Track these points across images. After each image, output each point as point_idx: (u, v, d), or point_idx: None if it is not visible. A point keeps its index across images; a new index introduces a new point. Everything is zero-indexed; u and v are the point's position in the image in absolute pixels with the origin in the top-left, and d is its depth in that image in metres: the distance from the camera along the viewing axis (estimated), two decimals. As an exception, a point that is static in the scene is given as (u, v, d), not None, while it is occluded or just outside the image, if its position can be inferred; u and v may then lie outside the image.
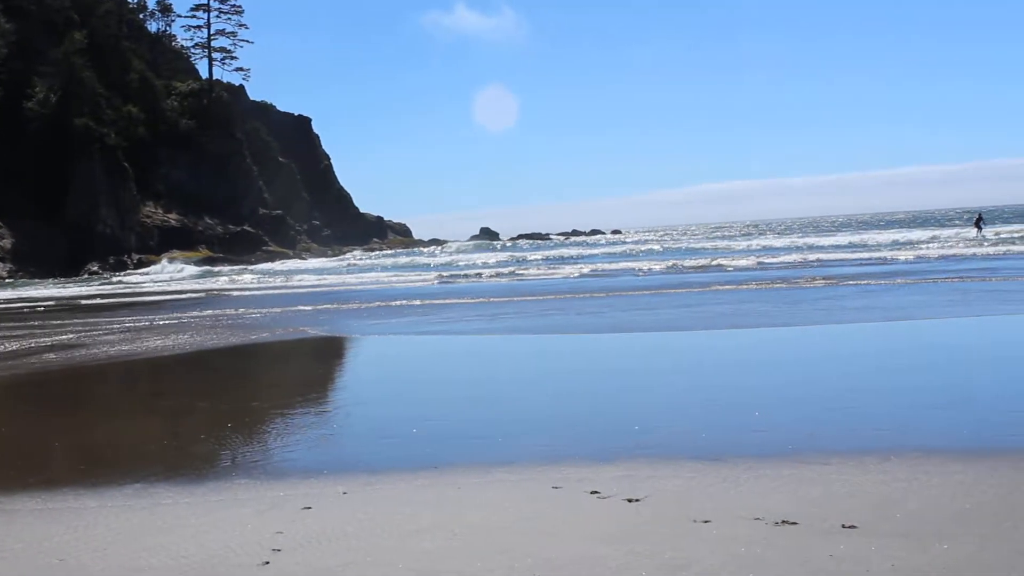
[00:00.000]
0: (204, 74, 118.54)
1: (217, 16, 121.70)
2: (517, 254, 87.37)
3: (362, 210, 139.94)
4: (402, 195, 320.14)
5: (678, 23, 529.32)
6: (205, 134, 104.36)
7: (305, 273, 70.65)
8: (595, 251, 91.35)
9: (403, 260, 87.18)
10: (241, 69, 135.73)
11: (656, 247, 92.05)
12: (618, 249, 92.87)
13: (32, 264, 79.81)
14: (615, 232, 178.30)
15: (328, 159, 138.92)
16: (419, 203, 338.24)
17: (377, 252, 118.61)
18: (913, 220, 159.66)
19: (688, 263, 55.23)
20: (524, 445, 10.98)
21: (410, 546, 7.48)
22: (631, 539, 7.38)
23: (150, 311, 36.15)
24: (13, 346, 24.07)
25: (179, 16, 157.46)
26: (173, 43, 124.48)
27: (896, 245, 64.59)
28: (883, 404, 12.54)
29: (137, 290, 57.36)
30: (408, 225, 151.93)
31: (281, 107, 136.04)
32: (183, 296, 47.71)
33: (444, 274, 57.49)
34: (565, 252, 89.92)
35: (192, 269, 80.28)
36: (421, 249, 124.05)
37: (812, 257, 55.05)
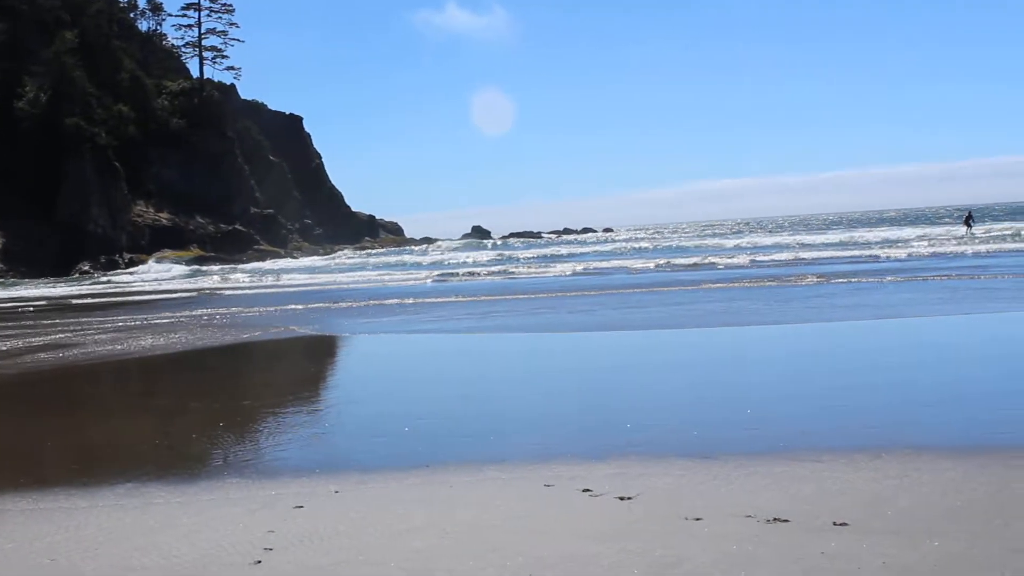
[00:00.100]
0: (195, 73, 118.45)
1: (208, 15, 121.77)
2: (509, 252, 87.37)
3: (354, 209, 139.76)
4: (394, 194, 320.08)
5: (669, 22, 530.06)
6: (196, 133, 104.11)
7: (295, 272, 70.63)
8: (587, 249, 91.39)
9: (393, 259, 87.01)
10: (232, 68, 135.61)
11: (647, 245, 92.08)
12: (610, 247, 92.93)
13: (23, 264, 79.58)
14: (607, 230, 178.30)
15: (319, 158, 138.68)
16: (411, 202, 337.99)
17: (368, 251, 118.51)
18: (904, 218, 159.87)
19: (679, 261, 55.28)
20: (516, 443, 10.99)
21: (402, 545, 7.48)
22: (623, 537, 7.39)
23: (142, 310, 36.09)
24: (4, 346, 24.02)
25: (170, 15, 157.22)
26: (164, 42, 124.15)
27: (887, 243, 64.64)
28: (874, 402, 12.57)
29: (129, 289, 57.25)
30: (400, 224, 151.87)
31: (272, 106, 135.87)
32: (175, 295, 47.64)
33: (435, 273, 57.45)
34: (557, 250, 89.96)
35: (180, 269, 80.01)
36: (412, 248, 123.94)
37: (803, 255, 55.11)
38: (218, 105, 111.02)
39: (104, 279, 72.62)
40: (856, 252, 55.67)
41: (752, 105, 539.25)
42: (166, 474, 10.38)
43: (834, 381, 14.48)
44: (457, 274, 55.83)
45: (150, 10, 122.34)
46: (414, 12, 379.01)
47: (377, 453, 10.96)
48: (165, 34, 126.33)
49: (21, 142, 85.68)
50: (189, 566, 7.25)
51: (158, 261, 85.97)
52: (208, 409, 14.60)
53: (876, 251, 55.59)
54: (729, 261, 52.98)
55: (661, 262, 55.54)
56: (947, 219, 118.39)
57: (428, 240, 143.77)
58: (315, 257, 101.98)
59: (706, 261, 54.15)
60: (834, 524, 7.47)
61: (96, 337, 25.33)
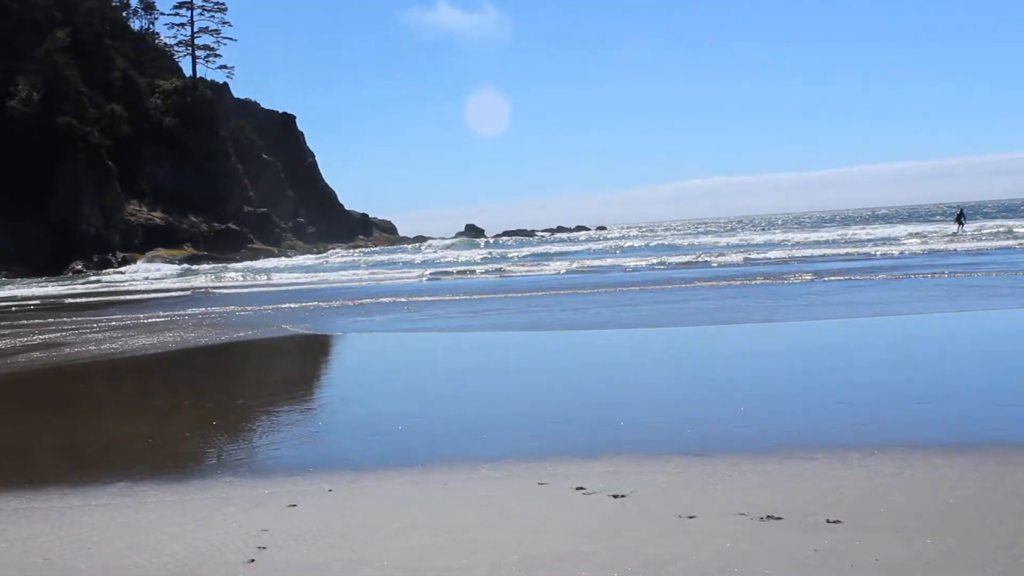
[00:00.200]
0: (188, 72, 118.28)
1: (200, 14, 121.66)
2: (502, 251, 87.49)
3: (347, 207, 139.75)
4: (387, 192, 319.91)
5: (661, 21, 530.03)
6: (189, 132, 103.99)
7: (288, 271, 70.63)
8: (580, 247, 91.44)
9: (386, 258, 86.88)
10: (225, 67, 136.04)
11: (641, 243, 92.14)
12: (603, 245, 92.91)
13: (16, 263, 79.41)
14: (600, 228, 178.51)
15: (313, 156, 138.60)
16: (404, 200, 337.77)
17: (361, 249, 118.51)
18: (895, 216, 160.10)
19: (673, 259, 55.29)
20: (510, 442, 10.99)
21: (396, 543, 7.48)
22: (617, 535, 7.39)
23: (135, 309, 36.05)
24: (-3, 345, 24.01)
25: (162, 14, 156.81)
26: (156, 41, 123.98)
27: (879, 241, 64.77)
28: (867, 399, 12.57)
29: (122, 288, 57.15)
30: (393, 222, 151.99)
31: (265, 105, 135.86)
32: (168, 294, 47.58)
33: (429, 271, 57.39)
34: (550, 248, 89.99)
35: (169, 268, 79.83)
36: (405, 246, 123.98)
37: (796, 253, 55.17)
38: (211, 104, 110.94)
39: (97, 278, 72.43)
40: (849, 250, 55.77)
41: (745, 103, 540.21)
42: (159, 473, 10.37)
43: (827, 379, 14.49)
44: (450, 272, 55.81)
45: (142, 9, 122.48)
46: (405, 10, 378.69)
47: (371, 452, 10.95)
48: (158, 33, 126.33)
49: (13, 141, 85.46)
50: (183, 565, 7.24)
51: (150, 260, 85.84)
52: (201, 408, 14.59)
53: (869, 249, 55.69)
54: (722, 259, 53.07)
55: (654, 260, 55.59)
56: (938, 216, 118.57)
57: (421, 238, 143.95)
58: (308, 256, 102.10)
59: (699, 259, 54.23)
60: (827, 521, 7.48)
61: (89, 336, 25.30)
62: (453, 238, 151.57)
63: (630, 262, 55.69)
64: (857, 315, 22.72)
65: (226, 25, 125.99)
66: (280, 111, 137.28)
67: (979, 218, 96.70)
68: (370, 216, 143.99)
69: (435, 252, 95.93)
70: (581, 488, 8.81)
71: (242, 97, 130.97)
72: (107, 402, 16.75)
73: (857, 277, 33.73)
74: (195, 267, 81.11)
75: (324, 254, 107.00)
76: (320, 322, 28.19)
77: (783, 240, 75.06)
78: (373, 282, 49.93)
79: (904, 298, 25.99)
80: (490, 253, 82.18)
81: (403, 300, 34.00)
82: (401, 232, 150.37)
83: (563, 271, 51.30)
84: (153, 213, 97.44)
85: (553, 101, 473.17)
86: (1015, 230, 65.98)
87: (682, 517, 7.77)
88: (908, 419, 11.17)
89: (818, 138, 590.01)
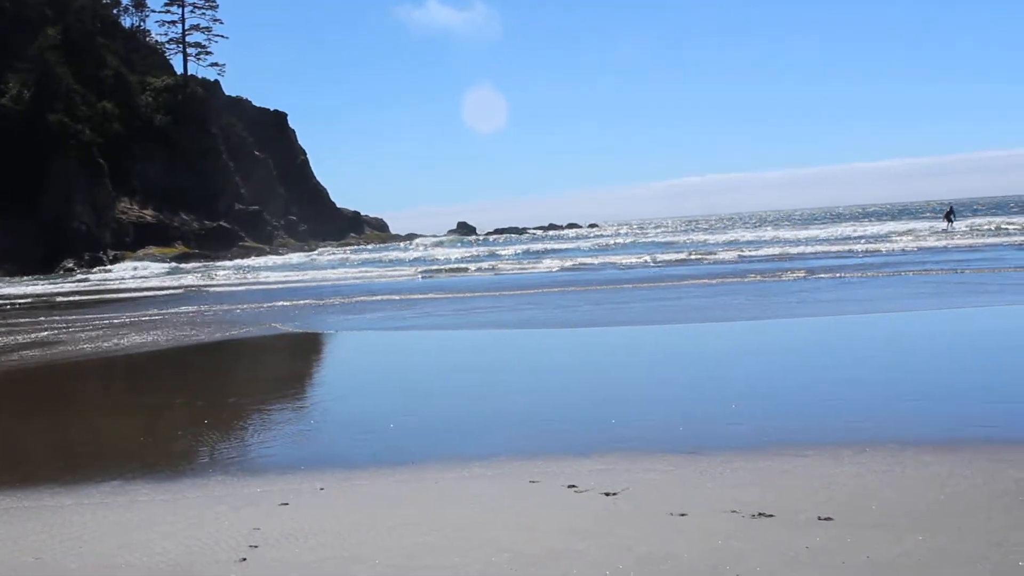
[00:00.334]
0: (179, 70, 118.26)
1: (191, 11, 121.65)
2: (494, 249, 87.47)
3: (339, 205, 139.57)
4: (379, 190, 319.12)
5: (652, 18, 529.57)
6: (180, 130, 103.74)
7: (279, 270, 70.53)
8: (572, 245, 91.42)
9: (378, 256, 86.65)
10: (216, 64, 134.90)
11: (633, 240, 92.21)
12: (595, 243, 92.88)
13: (7, 261, 79.16)
14: (592, 226, 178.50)
15: (304, 154, 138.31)
16: (396, 198, 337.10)
17: (353, 247, 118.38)
18: (886, 213, 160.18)
19: (665, 257, 55.33)
20: (502, 440, 11.00)
21: (388, 541, 7.48)
22: (609, 533, 7.40)
23: (128, 308, 35.99)
24: (-12, 344, 23.95)
25: (153, 11, 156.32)
26: (147, 38, 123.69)
27: (870, 238, 64.86)
28: (859, 396, 12.60)
29: (115, 287, 57.04)
30: (385, 220, 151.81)
31: (257, 102, 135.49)
32: (161, 292, 47.52)
33: (421, 269, 57.35)
34: (542, 246, 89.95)
35: (157, 267, 79.63)
36: (397, 244, 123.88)
37: (788, 250, 55.23)
38: (202, 102, 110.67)
39: (86, 276, 72.26)
40: (840, 247, 55.84)
41: (736, 101, 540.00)
42: (151, 472, 10.36)
43: (819, 376, 14.52)
44: (442, 270, 55.79)
45: (133, 6, 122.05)
46: (396, 7, 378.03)
47: (363, 450, 10.95)
48: (149, 30, 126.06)
49: (4, 139, 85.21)
50: (174, 564, 7.24)
51: (141, 259, 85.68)
52: (193, 406, 14.57)
53: (860, 246, 55.77)
54: (714, 256, 53.15)
55: (646, 258, 55.63)
56: (927, 214, 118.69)
57: (413, 236, 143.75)
58: (300, 254, 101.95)
59: (691, 256, 54.28)
60: (819, 519, 7.49)
61: (82, 334, 25.26)
62: (445, 236, 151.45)
63: (622, 259, 55.69)
64: (848, 312, 22.77)
65: (217, 23, 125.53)
66: (271, 109, 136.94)
67: (968, 215, 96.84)
68: (362, 214, 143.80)
69: (426, 250, 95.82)
70: (573, 486, 8.81)
71: (233, 95, 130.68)
72: (99, 400, 16.73)
73: (848, 274, 33.79)
74: (184, 265, 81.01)
75: (315, 252, 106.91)
76: (312, 320, 28.17)
77: (774, 237, 75.17)
78: (366, 280, 49.89)
79: (894, 295, 26.06)
80: (484, 251, 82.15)
81: (395, 298, 34.00)
82: (393, 230, 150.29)
83: (555, 269, 51.25)
84: (144, 211, 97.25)
85: (545, 98, 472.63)
86: (1004, 227, 66.13)
87: (674, 515, 7.78)
88: (899, 416, 11.19)
89: (810, 135, 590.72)
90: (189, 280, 60.39)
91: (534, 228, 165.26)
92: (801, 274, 34.47)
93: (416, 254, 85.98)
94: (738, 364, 16.32)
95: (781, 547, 6.87)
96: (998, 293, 25.70)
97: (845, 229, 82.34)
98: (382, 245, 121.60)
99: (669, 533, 7.33)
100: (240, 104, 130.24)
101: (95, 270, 79.09)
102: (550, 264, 55.52)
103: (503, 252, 78.18)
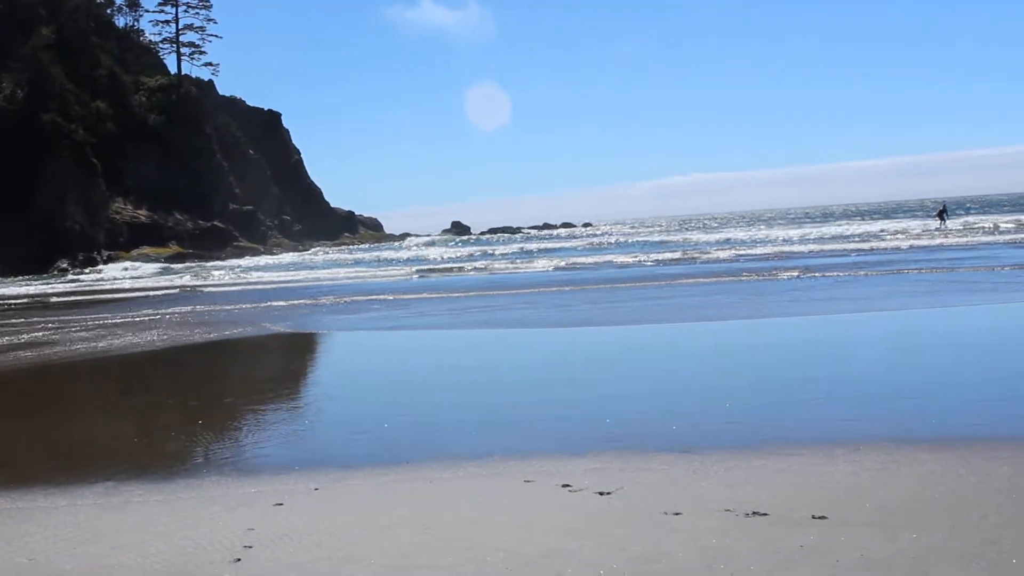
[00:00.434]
0: (173, 69, 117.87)
1: (185, 11, 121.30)
2: (488, 248, 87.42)
3: (333, 205, 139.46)
4: (373, 190, 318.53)
5: (647, 18, 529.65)
6: (174, 130, 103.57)
7: (272, 270, 70.48)
8: (566, 244, 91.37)
9: (372, 255, 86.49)
10: (210, 64, 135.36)
11: (627, 240, 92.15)
12: (589, 242, 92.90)
13: (0, 262, 79.06)
14: (586, 225, 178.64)
15: (298, 154, 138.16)
16: (391, 198, 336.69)
17: (347, 247, 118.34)
18: (878, 211, 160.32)
19: (659, 256, 55.33)
20: (496, 439, 10.99)
21: (382, 541, 7.48)
22: (603, 532, 7.40)
23: (122, 308, 35.94)
24: (-19, 344, 23.91)
25: (147, 11, 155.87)
26: (141, 38, 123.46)
27: (864, 236, 64.90)
28: (853, 394, 12.62)
29: (110, 287, 56.96)
30: (379, 220, 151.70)
31: (251, 102, 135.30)
32: (156, 293, 47.46)
33: (415, 269, 57.32)
34: (536, 246, 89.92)
35: (148, 267, 79.48)
36: (391, 244, 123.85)
37: (781, 249, 55.31)
38: (196, 101, 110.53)
39: (80, 276, 72.14)
40: (834, 246, 55.88)
41: (729, 101, 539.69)
42: (145, 472, 10.35)
43: (812, 374, 14.53)
44: (437, 270, 55.77)
45: (127, 6, 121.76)
46: (389, 7, 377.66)
47: (357, 450, 10.95)
48: (142, 30, 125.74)
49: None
50: (168, 564, 7.23)
51: (135, 259, 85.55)
52: (188, 407, 14.57)
53: (853, 244, 55.85)
54: (708, 255, 53.15)
55: (641, 257, 55.65)
56: (919, 212, 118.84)
57: (407, 236, 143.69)
58: (293, 253, 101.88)
59: (685, 256, 54.30)
60: (813, 517, 7.50)
61: (76, 335, 25.23)
62: (439, 235, 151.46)
63: (616, 259, 55.68)
64: (841, 311, 22.80)
65: (211, 22, 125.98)
66: (265, 108, 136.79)
67: (961, 213, 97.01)
68: (356, 214, 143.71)
69: (420, 249, 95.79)
70: (567, 485, 8.81)
71: (227, 94, 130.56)
72: (93, 401, 16.71)
73: (841, 273, 33.83)
74: (178, 265, 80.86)
75: (308, 252, 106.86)
76: (306, 320, 28.17)
77: (768, 236, 75.19)
78: (360, 280, 49.87)
79: (888, 293, 26.09)
80: (478, 251, 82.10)
81: (389, 298, 33.98)
82: (388, 229, 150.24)
83: (550, 268, 51.24)
84: (138, 211, 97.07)
85: (539, 98, 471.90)
86: (997, 225, 66.24)
87: (668, 514, 7.78)
88: (893, 414, 11.20)
89: (803, 135, 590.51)
90: (183, 280, 60.30)
91: (528, 227, 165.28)
92: (795, 273, 34.50)
93: (412, 254, 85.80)
94: (732, 363, 16.33)
95: (775, 546, 6.88)
96: (991, 291, 25.73)
97: (838, 228, 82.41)
98: (376, 245, 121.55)
99: (663, 532, 7.33)
100: (234, 104, 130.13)
101: (89, 270, 78.95)
102: (544, 264, 55.50)
103: (497, 251, 78.14)
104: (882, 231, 69.74)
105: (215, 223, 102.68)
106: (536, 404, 13.26)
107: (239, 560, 7.20)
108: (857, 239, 62.38)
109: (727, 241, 72.17)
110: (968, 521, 7.27)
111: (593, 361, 17.65)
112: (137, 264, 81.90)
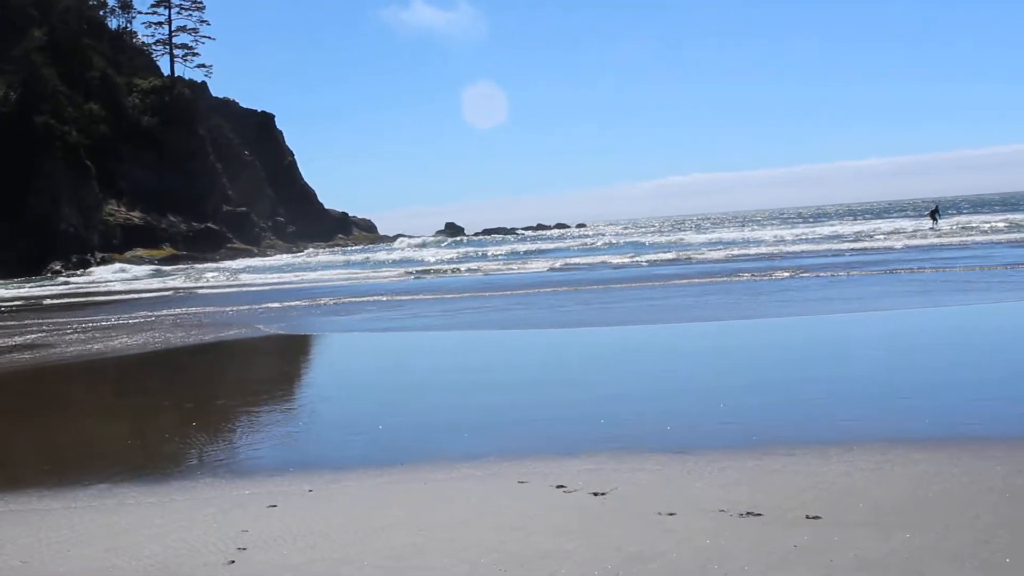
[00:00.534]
0: (166, 71, 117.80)
1: (178, 12, 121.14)
2: (482, 249, 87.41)
3: (327, 206, 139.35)
4: (368, 191, 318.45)
5: (643, 18, 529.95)
6: (168, 131, 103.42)
7: (266, 272, 70.40)
8: (561, 245, 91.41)
9: (365, 257, 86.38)
10: (203, 66, 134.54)
11: (621, 241, 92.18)
12: (583, 243, 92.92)
13: (-7, 264, 78.92)
14: (580, 226, 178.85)
15: (292, 155, 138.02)
16: (385, 199, 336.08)
17: (341, 248, 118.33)
18: (871, 211, 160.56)
19: (653, 256, 55.37)
20: (491, 440, 10.99)
21: (376, 543, 7.47)
22: (597, 532, 7.40)
23: (117, 310, 35.90)
24: (-26, 347, 23.87)
25: (140, 13, 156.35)
26: (134, 40, 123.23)
27: (857, 236, 64.94)
28: (847, 394, 12.63)
29: (103, 289, 56.88)
30: (374, 221, 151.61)
31: (244, 104, 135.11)
32: (150, 295, 47.42)
33: (409, 270, 57.28)
34: (531, 247, 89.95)
35: (140, 269, 79.32)
36: (385, 245, 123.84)
37: (776, 249, 55.36)
38: (189, 103, 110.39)
39: (75, 279, 72.02)
40: (827, 246, 55.96)
41: (724, 101, 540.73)
42: (139, 474, 10.34)
43: (806, 374, 14.55)
44: (431, 271, 55.75)
45: (120, 8, 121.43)
46: (382, 8, 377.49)
47: (351, 451, 10.94)
48: (135, 32, 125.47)
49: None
50: (162, 567, 7.22)
51: (128, 261, 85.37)
52: (181, 409, 14.54)
53: (847, 244, 55.95)
54: (702, 256, 53.19)
55: (635, 257, 55.67)
56: (911, 212, 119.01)
57: (401, 237, 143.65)
58: (287, 255, 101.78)
59: (680, 256, 54.33)
60: (807, 517, 7.50)
61: (70, 337, 25.19)
62: (433, 236, 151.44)
63: (611, 259, 55.70)
64: (835, 311, 22.81)
65: (204, 24, 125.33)
66: (259, 110, 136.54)
67: (953, 212, 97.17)
68: (350, 215, 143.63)
69: (414, 251, 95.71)
70: (562, 486, 8.82)
71: (220, 96, 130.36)
72: (87, 403, 16.68)
73: (835, 273, 33.86)
74: (172, 267, 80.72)
75: (302, 253, 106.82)
76: (300, 322, 28.15)
77: (762, 237, 75.25)
78: (354, 281, 49.84)
79: (881, 293, 26.11)
80: (473, 251, 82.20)
81: (383, 299, 33.99)
82: (382, 231, 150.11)
83: (544, 269, 51.26)
84: (132, 213, 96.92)
85: (538, 98, 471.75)
86: (989, 225, 66.36)
87: (662, 514, 7.79)
88: (887, 414, 11.21)
89: (802, 135, 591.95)
90: (176, 282, 60.20)
91: (522, 228, 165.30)
92: (788, 273, 34.54)
93: (406, 255, 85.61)
94: (726, 363, 16.34)
95: (769, 546, 6.89)
96: (984, 291, 25.75)
97: (832, 228, 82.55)
98: (370, 246, 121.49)
99: (657, 532, 7.33)
100: (227, 105, 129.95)
101: (82, 272, 78.76)
102: (539, 265, 55.51)
103: (492, 253, 78.12)
104: (875, 231, 69.80)
105: (209, 225, 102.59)
106: (530, 405, 13.26)
107: (233, 562, 7.20)
108: (851, 239, 62.45)
109: (722, 241, 72.15)
110: (962, 521, 7.28)
111: (587, 362, 17.66)
112: (130, 266, 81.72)
